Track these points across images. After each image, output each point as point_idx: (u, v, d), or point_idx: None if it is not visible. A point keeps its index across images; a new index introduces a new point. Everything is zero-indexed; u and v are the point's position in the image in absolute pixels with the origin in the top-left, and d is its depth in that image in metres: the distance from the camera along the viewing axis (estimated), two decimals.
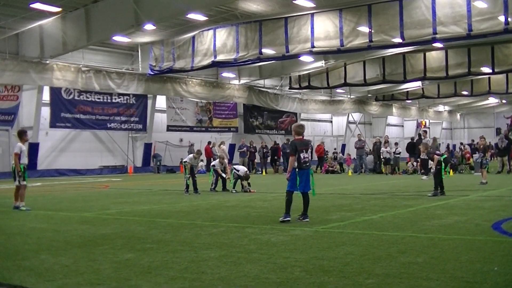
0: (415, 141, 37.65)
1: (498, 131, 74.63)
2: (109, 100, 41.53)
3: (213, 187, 22.80)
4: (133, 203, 17.95)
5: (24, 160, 16.24)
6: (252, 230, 11.17)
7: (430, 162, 30.21)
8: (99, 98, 40.86)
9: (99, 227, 12.14)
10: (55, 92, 38.22)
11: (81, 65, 37.98)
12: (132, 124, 43.16)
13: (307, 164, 12.35)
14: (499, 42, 38.53)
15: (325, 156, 45.23)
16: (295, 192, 12.34)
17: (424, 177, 30.49)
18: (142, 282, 6.95)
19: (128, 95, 42.35)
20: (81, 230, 11.62)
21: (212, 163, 24.41)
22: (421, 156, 32.25)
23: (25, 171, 16.21)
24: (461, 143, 62.05)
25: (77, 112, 39.43)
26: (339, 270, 7.41)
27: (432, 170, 19.49)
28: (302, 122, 12.04)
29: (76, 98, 39.48)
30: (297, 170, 12.19)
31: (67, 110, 38.85)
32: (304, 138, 12.87)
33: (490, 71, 41.80)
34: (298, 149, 12.22)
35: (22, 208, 15.84)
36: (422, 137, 32.00)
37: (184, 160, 23.50)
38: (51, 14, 31.54)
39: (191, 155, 22.89)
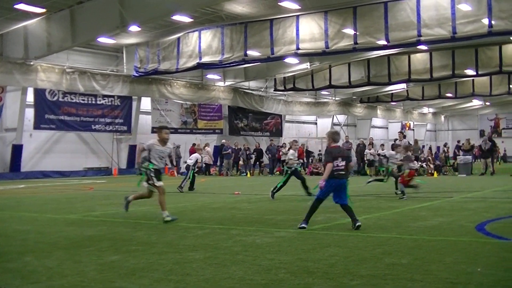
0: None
1: (481, 133, 75.09)
2: (93, 102, 41.36)
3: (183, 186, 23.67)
4: (118, 205, 17.87)
5: (157, 162, 13.57)
6: (237, 232, 11.17)
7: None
8: (83, 100, 40.69)
9: (84, 229, 12.10)
10: (39, 93, 38.01)
11: (65, 66, 37.81)
12: (116, 126, 43.01)
13: (340, 173, 11.43)
14: (483, 44, 38.75)
15: (311, 158, 45.38)
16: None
17: None
18: (127, 284, 6.94)
19: (112, 96, 42.20)
20: (66, 232, 11.58)
21: (189, 162, 24.64)
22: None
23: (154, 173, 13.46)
24: (445, 145, 62.31)
25: (61, 114, 39.22)
26: (324, 272, 7.43)
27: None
28: (337, 129, 11.70)
29: (60, 99, 39.27)
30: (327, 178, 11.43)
31: (51, 111, 38.65)
32: (339, 145, 12.12)
33: (474, 73, 42.01)
34: (333, 156, 11.43)
35: (167, 218, 12.93)
36: (399, 140, 32.04)
37: (189, 163, 24.31)
38: (36, 15, 31.39)
39: (197, 155, 24.57)
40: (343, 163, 11.45)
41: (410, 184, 19.01)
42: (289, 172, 19.83)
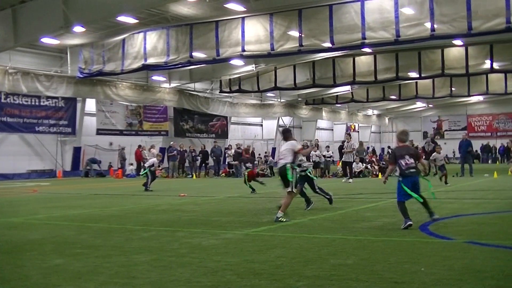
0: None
1: (425, 135, 76.23)
2: (37, 103, 40.76)
3: (148, 186, 25.27)
4: (63, 208, 17.69)
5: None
6: (183, 234, 11.14)
7: (354, 165, 30.76)
8: (27, 101, 40.06)
9: (27, 232, 11.92)
10: None
11: (8, 67, 37.05)
12: (61, 128, 42.46)
13: (411, 170, 11.49)
14: (426, 47, 39.37)
15: (257, 160, 45.45)
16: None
17: (344, 179, 31.05)
18: None
19: (57, 98, 41.62)
20: (8, 236, 11.39)
21: (148, 164, 26.49)
22: (343, 159, 32.83)
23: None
24: (389, 147, 63.12)
25: (3, 115, 38.54)
26: (270, 273, 7.45)
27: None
28: (406, 129, 11.53)
29: (2, 100, 38.57)
30: (400, 178, 11.55)
31: None
32: (406, 144, 12.15)
33: (418, 76, 42.74)
34: (396, 156, 11.60)
35: (282, 219, 12.82)
36: (346, 141, 32.40)
37: (149, 166, 26.17)
38: None
39: (155, 159, 26.58)
40: (412, 160, 11.50)
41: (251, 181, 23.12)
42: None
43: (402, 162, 11.45)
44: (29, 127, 40.33)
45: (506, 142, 67.54)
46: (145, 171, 26.12)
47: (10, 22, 30.94)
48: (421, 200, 11.64)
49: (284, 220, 12.74)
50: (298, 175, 13.86)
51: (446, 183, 25.36)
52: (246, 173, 23.62)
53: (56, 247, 9.78)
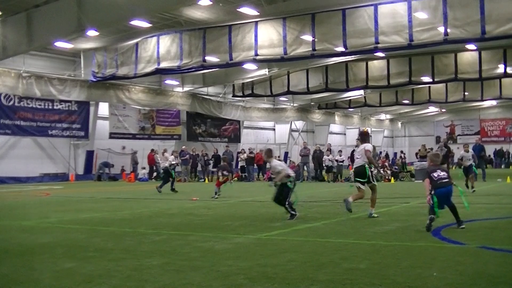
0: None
1: (437, 140, 75.97)
2: (50, 107, 40.88)
3: (174, 187, 26.36)
4: (75, 211, 17.71)
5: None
6: (194, 238, 11.12)
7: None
8: (40, 105, 40.18)
9: (39, 235, 11.94)
10: None
11: (21, 71, 37.20)
12: (74, 131, 42.56)
13: (443, 181, 11.86)
14: (439, 52, 39.25)
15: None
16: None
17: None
18: None
19: (70, 101, 41.72)
20: (20, 239, 11.41)
21: (169, 164, 26.89)
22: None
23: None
24: (402, 151, 62.90)
25: (17, 119, 38.69)
26: (282, 277, 7.43)
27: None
28: (437, 152, 12.34)
29: (16, 104, 38.73)
30: (432, 192, 11.75)
31: (6, 116, 38.09)
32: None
33: (430, 80, 42.58)
34: (429, 172, 12.14)
35: (374, 215, 14.48)
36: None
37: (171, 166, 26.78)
38: None
39: (172, 156, 27.37)
40: (444, 173, 12.10)
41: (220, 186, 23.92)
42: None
43: (434, 174, 11.95)
44: (42, 131, 40.44)
45: None
46: (172, 173, 26.66)
47: (24, 26, 31.05)
48: (452, 207, 12.07)
49: (376, 216, 14.36)
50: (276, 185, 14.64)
51: (468, 187, 23.26)
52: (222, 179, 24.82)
53: (67, 251, 9.80)
